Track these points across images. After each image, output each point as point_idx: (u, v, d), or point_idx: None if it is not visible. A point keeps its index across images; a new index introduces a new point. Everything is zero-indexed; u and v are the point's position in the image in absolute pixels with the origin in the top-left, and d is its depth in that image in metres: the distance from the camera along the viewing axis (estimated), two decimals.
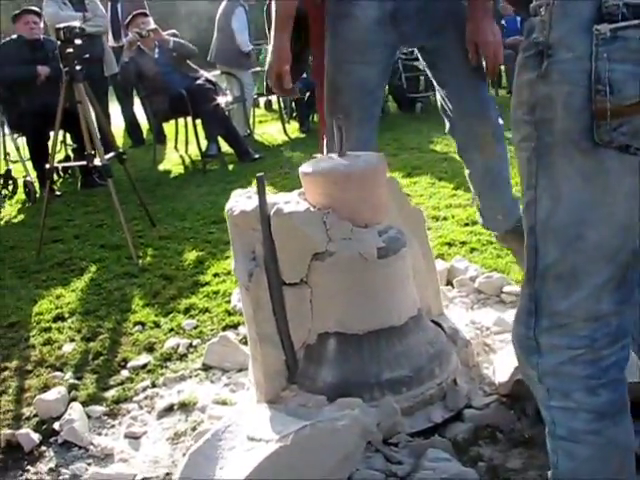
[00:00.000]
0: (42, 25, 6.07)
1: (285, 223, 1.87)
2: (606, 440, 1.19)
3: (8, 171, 6.12)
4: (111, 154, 3.96)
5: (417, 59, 7.60)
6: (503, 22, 8.53)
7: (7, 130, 6.09)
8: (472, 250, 3.29)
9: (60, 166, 5.95)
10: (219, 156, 6.35)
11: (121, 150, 4.45)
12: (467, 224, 3.69)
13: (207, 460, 1.48)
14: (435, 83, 2.45)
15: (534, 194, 1.15)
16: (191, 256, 3.65)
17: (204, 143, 6.45)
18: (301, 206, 1.91)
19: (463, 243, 3.39)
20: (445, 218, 3.85)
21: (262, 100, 9.61)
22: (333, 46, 2.31)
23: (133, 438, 2.06)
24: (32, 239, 4.23)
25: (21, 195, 5.89)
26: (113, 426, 2.14)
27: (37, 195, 5.58)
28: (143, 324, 2.85)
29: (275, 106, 8.23)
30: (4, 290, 3.50)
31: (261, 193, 1.88)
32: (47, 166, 3.98)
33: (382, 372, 1.90)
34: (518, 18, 8.51)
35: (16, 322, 3.03)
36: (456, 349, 2.11)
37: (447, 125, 2.50)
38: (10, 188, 6.09)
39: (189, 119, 6.56)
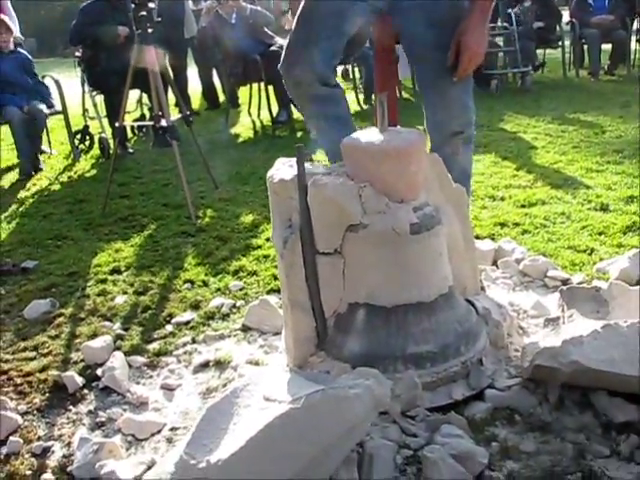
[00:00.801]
0: None
1: (321, 193, 1.91)
2: None
3: (86, 127, 6.35)
4: (178, 115, 4.06)
5: (496, 35, 7.41)
6: (590, 0, 8.27)
7: (87, 88, 6.30)
8: (524, 232, 3.27)
9: (129, 124, 6.12)
10: (289, 122, 6.42)
11: (190, 112, 4.57)
12: (524, 205, 3.65)
13: (222, 415, 1.55)
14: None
15: None
16: (247, 219, 3.74)
17: (276, 109, 6.52)
18: (338, 178, 1.95)
19: (516, 224, 3.36)
20: (502, 198, 3.81)
21: (340, 69, 9.61)
22: None
23: (168, 390, 2.16)
24: (101, 194, 4.40)
25: (96, 150, 6.11)
26: (151, 377, 2.25)
27: (110, 152, 5.77)
28: (192, 282, 2.96)
29: (352, 75, 8.21)
30: (69, 241, 3.68)
31: (300, 163, 1.93)
32: (116, 124, 4.12)
33: (407, 346, 1.93)
34: None
35: (76, 272, 3.19)
36: (487, 329, 2.12)
37: None
38: (87, 144, 6.33)
39: (262, 85, 6.64)
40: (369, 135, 1.99)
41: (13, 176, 5.45)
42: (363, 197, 1.91)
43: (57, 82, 5.99)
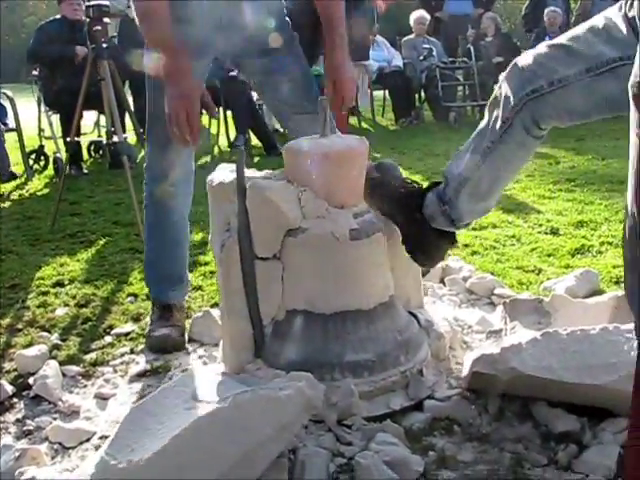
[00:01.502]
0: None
1: (260, 197, 1.88)
2: None
3: (41, 147, 6.28)
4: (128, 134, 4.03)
5: (455, 68, 7.54)
6: (547, 39, 8.47)
7: (43, 107, 6.24)
8: (473, 253, 3.27)
9: (85, 143, 6.08)
10: (246, 148, 6.41)
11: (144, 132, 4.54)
12: (475, 229, 3.66)
13: (147, 415, 1.50)
14: None
15: None
16: (197, 237, 3.69)
17: (234, 135, 6.52)
18: (278, 182, 1.92)
19: (466, 246, 3.37)
20: None
21: None
22: None
23: (102, 399, 2.09)
24: (51, 212, 4.31)
25: (51, 170, 6.02)
26: (85, 386, 2.18)
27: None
28: (136, 296, 2.90)
29: None
30: (14, 255, 3.59)
31: (239, 165, 1.90)
32: (67, 139, 4.06)
33: (345, 354, 1.90)
34: None
35: (17, 284, 3.11)
36: (429, 341, 2.10)
37: None
38: (42, 163, 6.25)
39: (220, 110, 6.64)
40: (310, 141, 1.97)
41: None
42: (302, 201, 1.89)
43: (11, 100, 5.92)
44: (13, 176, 5.59)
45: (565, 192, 4.39)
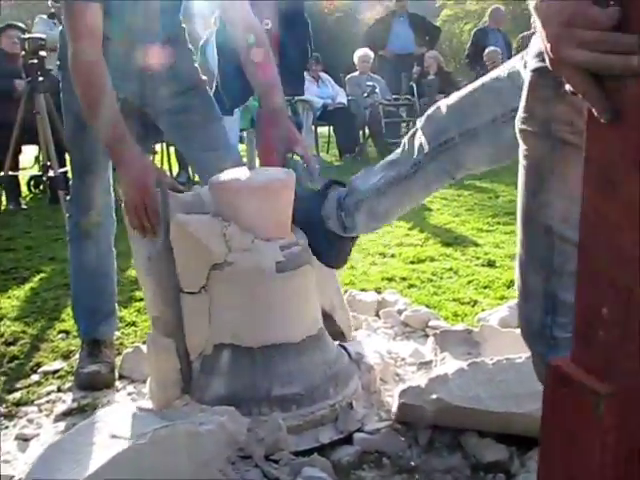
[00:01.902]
0: None
1: (183, 232, 1.86)
2: None
3: None
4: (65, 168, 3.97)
5: (399, 105, 7.63)
6: None
7: None
8: (410, 286, 3.29)
9: (23, 177, 5.98)
10: (187, 184, 6.37)
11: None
12: (413, 262, 3.69)
13: (62, 453, 1.45)
14: None
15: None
16: (132, 273, 3.63)
17: (176, 170, 6.48)
18: (202, 216, 1.91)
19: (403, 279, 3.39)
20: (393, 255, 3.85)
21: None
22: None
23: (23, 440, 2.01)
24: None
25: None
26: (7, 427, 2.10)
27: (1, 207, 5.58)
28: (67, 332, 2.83)
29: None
30: None
31: (164, 199, 1.88)
32: (1, 173, 3.98)
33: (272, 388, 1.87)
34: None
35: None
36: (359, 374, 2.09)
37: None
38: None
39: (164, 145, 6.60)
40: (236, 173, 1.97)
41: None
42: (227, 235, 1.87)
43: None
44: None
45: (503, 225, 4.47)
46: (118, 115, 1.94)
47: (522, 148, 1.20)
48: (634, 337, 0.85)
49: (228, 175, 1.95)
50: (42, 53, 3.76)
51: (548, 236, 1.17)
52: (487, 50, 8.65)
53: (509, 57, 8.59)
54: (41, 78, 3.75)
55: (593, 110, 0.80)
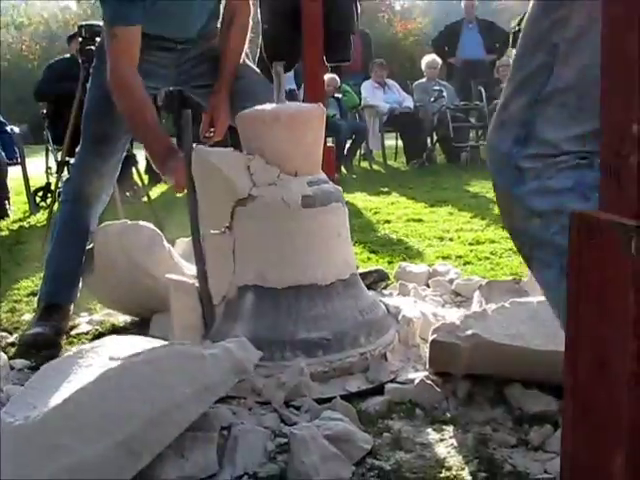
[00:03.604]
0: None
1: (206, 164, 1.77)
2: None
3: (48, 184, 6.25)
4: None
5: (467, 110, 7.44)
6: None
7: (51, 145, 6.25)
8: (466, 263, 3.11)
9: None
10: None
11: None
12: (472, 244, 3.51)
13: (58, 373, 1.36)
14: None
15: (570, 7, 1.06)
16: None
17: None
18: (225, 149, 1.81)
19: (459, 257, 3.21)
20: (451, 239, 3.67)
21: None
22: None
23: None
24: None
25: (56, 207, 5.98)
26: None
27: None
28: None
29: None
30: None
31: (186, 129, 1.80)
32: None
33: (297, 331, 1.75)
34: None
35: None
36: (397, 327, 1.94)
37: None
38: (48, 201, 6.21)
39: None
40: (264, 105, 1.86)
41: None
42: (252, 168, 1.77)
43: (20, 135, 5.95)
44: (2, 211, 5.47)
45: None
46: (155, 119, 2.13)
47: None
48: None
49: (255, 108, 1.85)
50: (98, 39, 3.77)
51: (549, 55, 1.09)
52: None
53: None
54: None
55: None
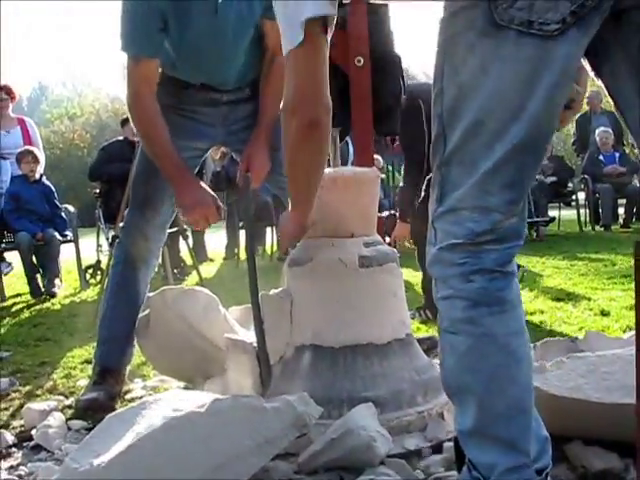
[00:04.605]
0: None
1: None
2: (482, 330, 1.17)
3: (98, 262, 6.42)
4: None
5: None
6: (601, 157, 8.51)
7: (102, 222, 6.44)
8: None
9: None
10: None
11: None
12: None
13: (122, 423, 1.39)
14: None
15: (441, 84, 1.18)
16: None
17: None
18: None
19: None
20: None
21: None
22: None
23: None
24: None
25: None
26: None
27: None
28: None
29: None
30: (51, 342, 3.62)
31: (246, 195, 1.87)
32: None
33: (355, 390, 1.76)
34: (616, 154, 8.50)
35: (46, 362, 3.09)
36: None
37: None
38: (98, 278, 6.35)
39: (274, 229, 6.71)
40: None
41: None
42: None
43: (75, 214, 6.15)
44: (50, 293, 5.59)
45: (619, 284, 4.18)
46: (171, 147, 2.15)
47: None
48: None
49: None
50: None
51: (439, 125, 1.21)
52: (598, 131, 8.51)
53: (619, 134, 8.41)
54: None
55: None
